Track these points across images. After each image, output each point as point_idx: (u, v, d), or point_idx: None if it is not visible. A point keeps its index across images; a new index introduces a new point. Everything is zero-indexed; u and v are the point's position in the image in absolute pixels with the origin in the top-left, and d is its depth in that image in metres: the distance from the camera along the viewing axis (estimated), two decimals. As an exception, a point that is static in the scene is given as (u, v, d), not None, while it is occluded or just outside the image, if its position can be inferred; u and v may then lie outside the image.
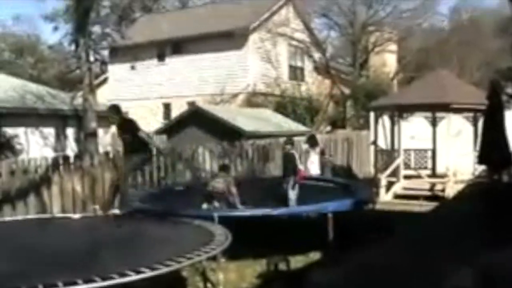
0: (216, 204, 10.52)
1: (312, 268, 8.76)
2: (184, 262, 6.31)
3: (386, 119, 17.95)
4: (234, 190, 10.69)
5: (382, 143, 18.18)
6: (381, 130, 18.16)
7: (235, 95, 28.06)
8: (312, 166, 15.21)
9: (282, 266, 8.02)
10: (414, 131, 18.30)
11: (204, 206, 10.42)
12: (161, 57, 31.57)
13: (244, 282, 8.18)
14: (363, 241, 9.60)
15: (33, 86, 20.34)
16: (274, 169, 16.89)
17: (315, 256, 9.36)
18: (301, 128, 22.83)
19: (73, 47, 16.69)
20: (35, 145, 16.76)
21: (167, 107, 30.59)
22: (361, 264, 8.63)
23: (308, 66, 32.61)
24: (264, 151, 16.85)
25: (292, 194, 11.50)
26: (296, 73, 32.10)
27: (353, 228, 10.11)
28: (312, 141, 15.59)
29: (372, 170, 19.26)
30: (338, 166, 18.25)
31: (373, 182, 16.45)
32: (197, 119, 19.43)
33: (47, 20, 16.33)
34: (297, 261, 8.69)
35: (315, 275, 8.19)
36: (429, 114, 18.20)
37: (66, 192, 11.30)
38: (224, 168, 11.67)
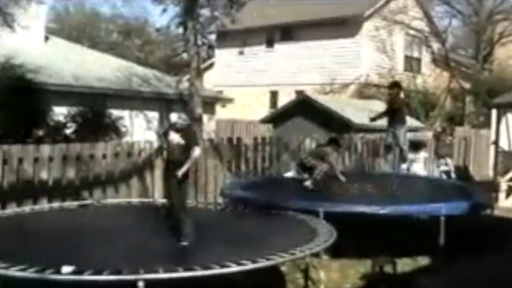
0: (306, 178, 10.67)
1: (421, 273, 8.60)
2: (286, 257, 6.37)
3: (510, 117, 17.23)
4: (332, 160, 10.77)
5: (505, 144, 17.49)
6: (503, 129, 17.46)
7: (346, 85, 27.83)
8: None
9: (387, 269, 7.91)
10: (542, 132, 17.50)
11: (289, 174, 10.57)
12: (269, 43, 31.79)
13: (346, 283, 8.15)
14: (479, 248, 9.32)
15: (139, 69, 21.08)
16: (384, 165, 16.66)
17: (423, 260, 9.18)
18: (414, 123, 22.33)
19: (180, 30, 17.07)
20: (139, 128, 17.38)
21: (274, 95, 30.80)
22: (476, 274, 8.39)
23: (425, 57, 31.82)
24: (374, 146, 16.63)
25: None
26: (412, 64, 31.42)
27: (468, 233, 9.82)
28: (416, 145, 15.61)
29: (491, 173, 18.59)
30: (454, 167, 17.72)
31: (491, 186, 15.87)
32: (305, 109, 19.43)
33: (155, 2, 16.82)
34: (404, 264, 8.55)
35: (424, 280, 8.04)
36: (559, 114, 17.33)
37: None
38: (331, 141, 11.60)
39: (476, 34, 30.30)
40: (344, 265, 8.66)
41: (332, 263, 8.39)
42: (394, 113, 11.58)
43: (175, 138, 7.11)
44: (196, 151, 7.12)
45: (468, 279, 8.22)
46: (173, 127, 7.40)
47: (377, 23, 28.48)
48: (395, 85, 12.01)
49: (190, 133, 7.24)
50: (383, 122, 19.47)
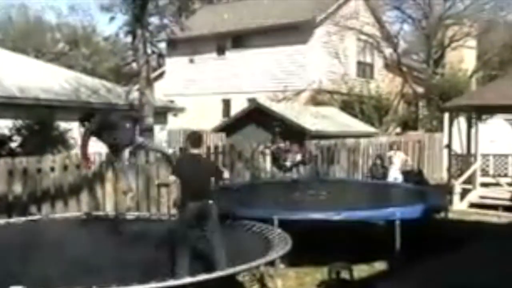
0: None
1: (377, 278, 8.72)
2: (240, 267, 6.39)
3: (462, 121, 17.63)
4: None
5: (457, 147, 17.87)
6: (456, 132, 17.84)
7: (299, 92, 28.02)
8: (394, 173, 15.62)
9: (344, 275, 8.00)
10: (494, 134, 17.93)
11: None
12: (221, 51, 31.82)
13: (303, 291, 8.22)
14: (434, 252, 9.49)
15: (88, 79, 20.86)
16: (339, 171, 16.86)
17: (380, 266, 9.31)
18: (369, 129, 22.69)
19: (129, 39, 16.99)
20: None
21: (226, 104, 30.81)
22: (431, 277, 8.54)
23: (378, 62, 32.28)
24: (329, 152, 16.82)
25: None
26: (364, 70, 31.84)
27: (423, 237, 9.99)
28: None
29: (445, 175, 18.96)
30: (408, 171, 18.01)
31: (446, 189, 16.19)
32: (258, 117, 19.54)
33: (103, 10, 16.84)
34: (360, 270, 8.67)
35: (381, 285, 8.15)
36: (511, 116, 17.78)
37: (119, 189, 11.54)
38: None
39: (427, 39, 30.87)
40: (300, 273, 8.73)
41: (289, 271, 8.45)
42: None
43: None
44: None
45: (424, 282, 8.38)
46: None
47: (329, 29, 28.78)
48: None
49: None
50: (338, 128, 19.77)
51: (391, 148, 16.72)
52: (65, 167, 10.86)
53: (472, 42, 31.11)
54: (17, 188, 10.09)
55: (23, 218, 9.50)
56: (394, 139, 20.17)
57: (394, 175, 15.86)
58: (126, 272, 6.41)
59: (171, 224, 9.43)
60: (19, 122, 14.16)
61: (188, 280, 5.77)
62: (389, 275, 8.94)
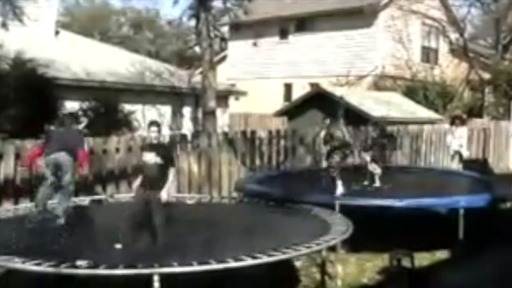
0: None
1: (440, 268, 8.61)
2: (302, 251, 6.40)
3: (531, 108, 17.18)
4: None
5: (525, 136, 17.44)
6: (524, 120, 17.41)
7: (361, 77, 27.75)
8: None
9: (405, 263, 7.92)
10: None
11: None
12: (283, 35, 31.75)
13: (364, 277, 8.19)
14: (498, 243, 9.30)
15: (152, 62, 21.17)
16: (402, 157, 16.65)
17: (442, 255, 9.19)
18: (432, 115, 22.28)
19: (193, 23, 17.14)
20: (152, 123, 17.44)
21: (288, 88, 30.76)
22: (496, 269, 8.38)
23: (443, 47, 31.64)
24: (392, 139, 16.60)
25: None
26: (429, 55, 31.28)
27: (488, 227, 9.81)
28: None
29: (511, 165, 18.54)
30: (473, 159, 17.63)
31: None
32: (320, 102, 19.41)
33: (167, -6, 17.14)
34: (422, 259, 8.56)
35: (444, 276, 8.04)
36: None
37: (182, 172, 11.70)
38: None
39: (496, 23, 30.07)
40: (361, 259, 8.71)
41: (349, 257, 8.44)
42: None
43: (151, 158, 6.99)
44: (172, 174, 7.15)
45: (488, 273, 8.23)
46: (147, 146, 7.41)
47: (393, 13, 28.37)
48: None
49: (166, 152, 7.23)
50: (401, 114, 19.44)
51: (452, 123, 15.76)
52: (129, 149, 11.07)
53: (545, 27, 30.14)
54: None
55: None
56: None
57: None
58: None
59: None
60: (86, 104, 14.51)
61: (249, 262, 5.81)
62: (451, 264, 8.82)
